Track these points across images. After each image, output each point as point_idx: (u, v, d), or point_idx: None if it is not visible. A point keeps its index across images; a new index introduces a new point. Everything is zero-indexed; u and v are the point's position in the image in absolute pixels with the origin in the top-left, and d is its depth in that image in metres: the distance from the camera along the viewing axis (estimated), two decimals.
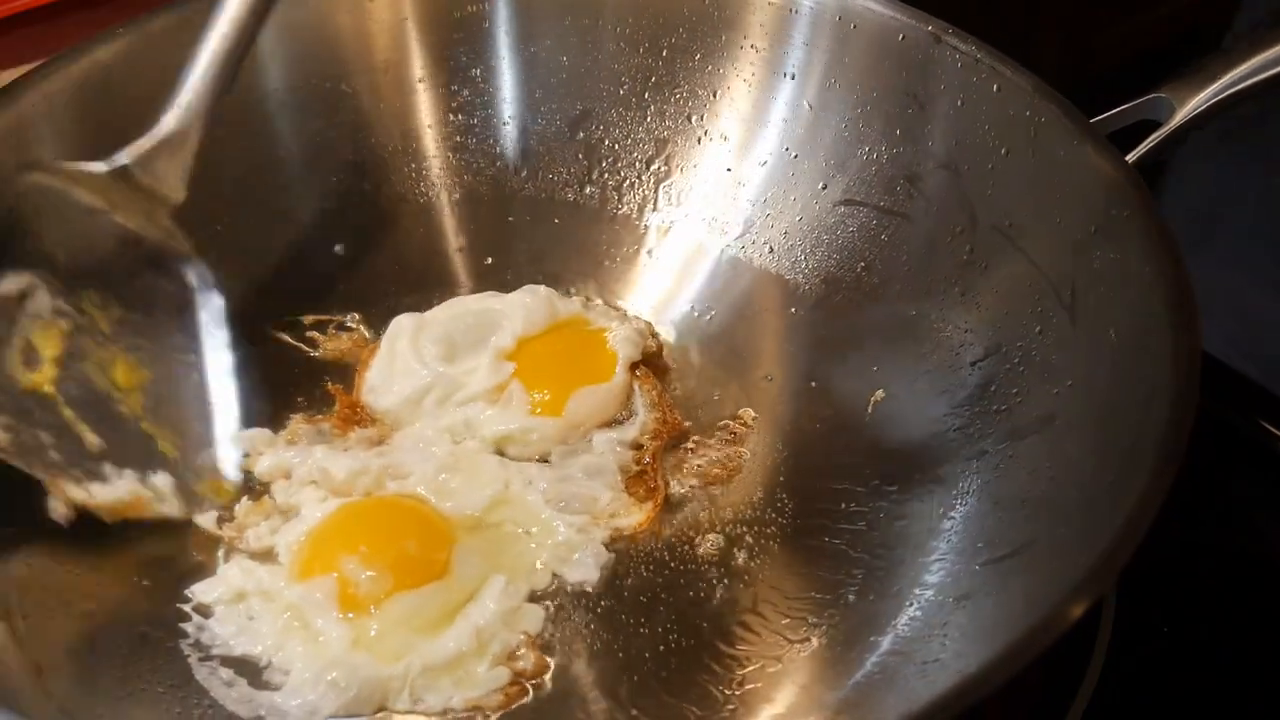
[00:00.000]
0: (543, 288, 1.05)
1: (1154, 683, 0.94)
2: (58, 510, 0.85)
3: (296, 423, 0.98)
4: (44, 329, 0.89)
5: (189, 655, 0.84)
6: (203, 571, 0.89)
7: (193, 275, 0.95)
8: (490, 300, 1.04)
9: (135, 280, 0.94)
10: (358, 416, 1.00)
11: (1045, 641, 0.65)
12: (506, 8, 1.11)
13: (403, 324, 1.03)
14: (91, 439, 0.89)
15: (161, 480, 0.90)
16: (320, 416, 0.99)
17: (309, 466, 0.94)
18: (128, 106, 0.96)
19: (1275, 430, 1.11)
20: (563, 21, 1.11)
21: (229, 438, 0.95)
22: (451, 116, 1.13)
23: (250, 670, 0.83)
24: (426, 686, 0.83)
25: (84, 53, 0.98)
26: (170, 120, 0.92)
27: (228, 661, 0.84)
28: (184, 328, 0.95)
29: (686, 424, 1.00)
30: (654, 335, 1.05)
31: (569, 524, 0.92)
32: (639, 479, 0.96)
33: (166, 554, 0.89)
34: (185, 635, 0.85)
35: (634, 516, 0.93)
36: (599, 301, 1.09)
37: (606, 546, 0.91)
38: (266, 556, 0.90)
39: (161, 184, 0.93)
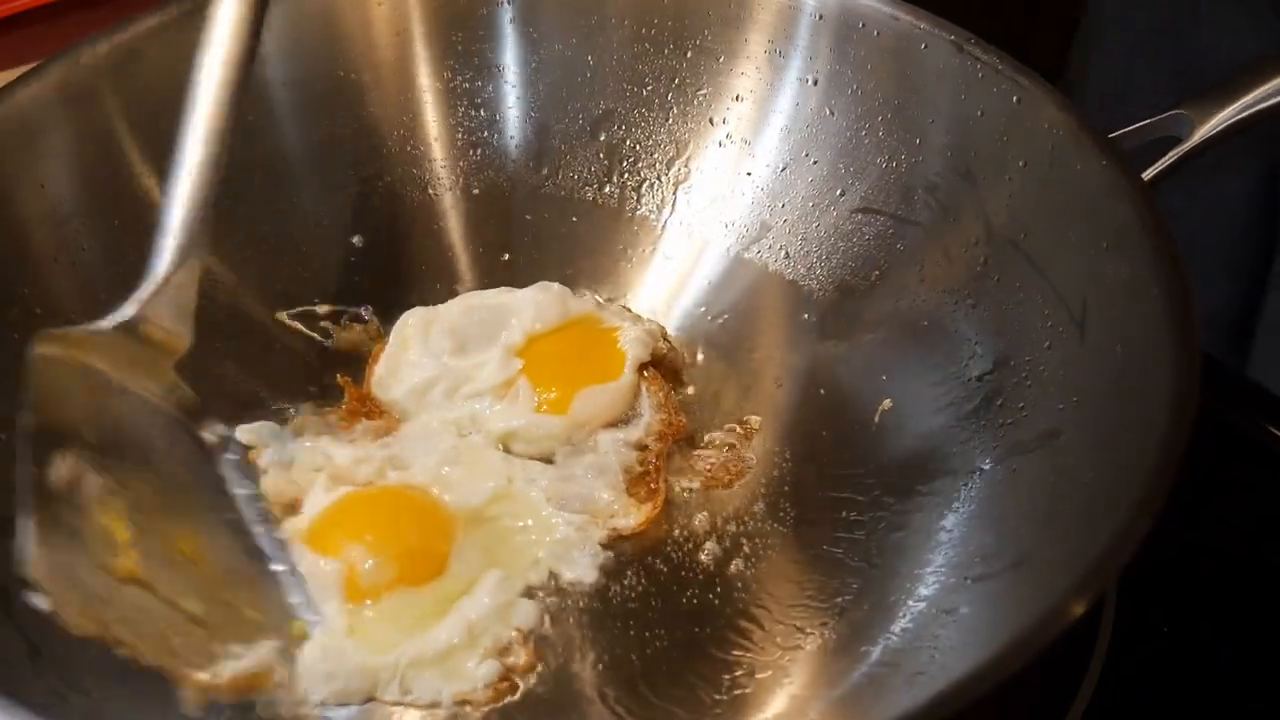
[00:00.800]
0: (556, 285, 1.05)
1: (1154, 683, 0.93)
2: (189, 702, 0.78)
3: (304, 415, 0.99)
4: (106, 511, 0.81)
5: None
6: None
7: (207, 431, 0.90)
8: (503, 296, 1.05)
9: (158, 444, 0.87)
10: (366, 409, 1.00)
11: (1027, 655, 0.65)
12: (529, 5, 1.11)
13: (413, 317, 1.03)
14: (193, 608, 0.81)
15: (266, 649, 0.82)
16: (329, 409, 1.00)
17: (314, 455, 0.95)
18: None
19: (1276, 430, 1.10)
20: (588, 20, 1.11)
21: (290, 584, 0.87)
22: (474, 112, 1.13)
23: None
24: (416, 678, 0.83)
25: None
26: (165, 262, 0.86)
27: None
28: (214, 485, 0.89)
29: (692, 427, 0.99)
30: (665, 338, 1.05)
31: (568, 522, 0.92)
32: (641, 480, 0.95)
33: None
34: None
35: (633, 517, 0.93)
36: (612, 301, 1.09)
37: (604, 546, 0.91)
38: None
39: (168, 332, 0.87)
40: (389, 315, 1.06)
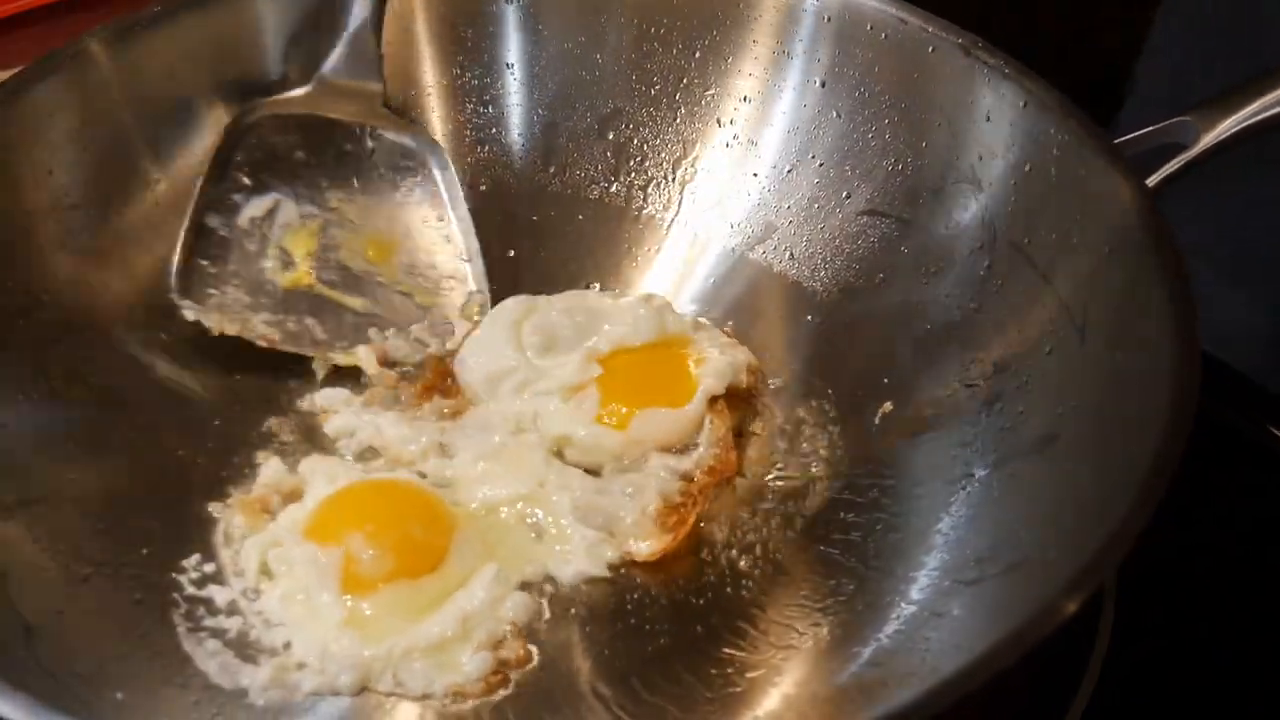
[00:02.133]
0: (659, 298, 1.03)
1: (1154, 683, 0.94)
2: (321, 368, 1.00)
3: (377, 386, 1.01)
4: (294, 234, 1.04)
5: (179, 625, 0.85)
6: (197, 543, 0.90)
7: (421, 151, 1.07)
8: (606, 300, 1.03)
9: (371, 169, 1.07)
10: (444, 385, 1.01)
11: (1015, 655, 0.65)
12: (540, 4, 1.11)
13: (512, 305, 1.03)
14: (355, 304, 1.04)
15: (419, 330, 1.04)
16: (405, 381, 1.02)
17: (370, 430, 0.98)
18: None
19: (1276, 430, 1.09)
20: (596, 18, 1.12)
21: (475, 277, 1.07)
22: (482, 109, 1.14)
23: (237, 643, 0.84)
24: (408, 669, 0.83)
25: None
26: (351, 25, 1.04)
27: (216, 633, 0.85)
28: (427, 197, 1.07)
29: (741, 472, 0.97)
30: (753, 372, 1.00)
31: (583, 536, 0.91)
32: (674, 510, 0.92)
33: (165, 525, 0.91)
34: (178, 605, 0.86)
35: (650, 544, 0.91)
36: (708, 324, 1.05)
37: (610, 567, 0.90)
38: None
39: (361, 82, 1.06)
40: None
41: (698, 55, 1.11)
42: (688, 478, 0.94)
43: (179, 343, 0.99)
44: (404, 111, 1.10)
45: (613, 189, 1.13)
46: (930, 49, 1.00)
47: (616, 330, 1.00)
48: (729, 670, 0.84)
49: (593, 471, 0.96)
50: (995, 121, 0.97)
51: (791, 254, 1.07)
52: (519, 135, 1.14)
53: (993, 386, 0.92)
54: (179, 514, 0.92)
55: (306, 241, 1.04)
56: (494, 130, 1.15)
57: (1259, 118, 0.90)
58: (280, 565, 0.88)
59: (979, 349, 0.95)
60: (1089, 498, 0.78)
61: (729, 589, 0.89)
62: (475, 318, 1.05)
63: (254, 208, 1.03)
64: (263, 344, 0.99)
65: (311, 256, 1.04)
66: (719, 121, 1.11)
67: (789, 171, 1.08)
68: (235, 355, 1.01)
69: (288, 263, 1.04)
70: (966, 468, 0.90)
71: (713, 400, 0.97)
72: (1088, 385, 0.85)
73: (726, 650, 0.85)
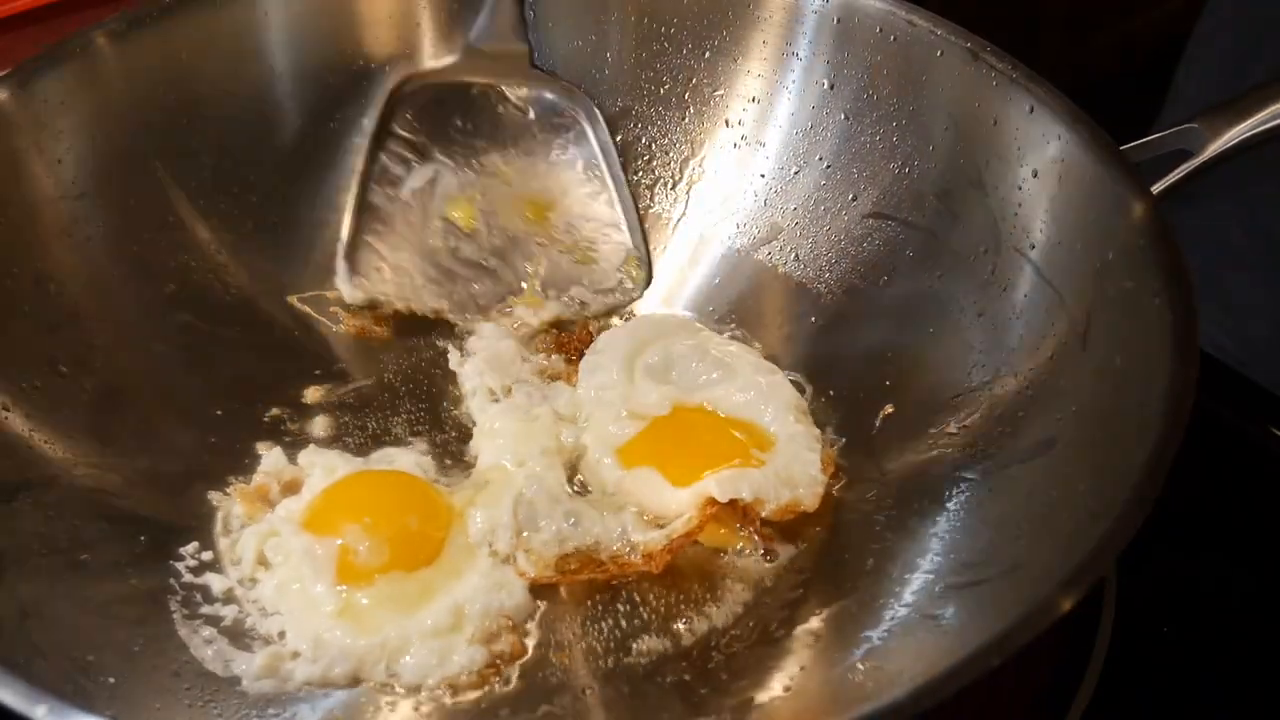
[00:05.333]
0: (793, 394, 1.00)
1: (1154, 683, 0.93)
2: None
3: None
4: (454, 202, 1.08)
5: (175, 611, 0.86)
6: (196, 531, 0.91)
7: (572, 108, 1.09)
8: (741, 360, 1.02)
9: (525, 129, 1.09)
10: (573, 348, 1.06)
11: (1000, 657, 0.65)
12: (548, 2, 1.11)
13: (659, 321, 1.07)
14: (523, 269, 1.08)
15: (578, 292, 1.08)
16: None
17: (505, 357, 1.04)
18: None
19: (1276, 430, 1.09)
20: (607, 17, 1.12)
21: (630, 229, 1.10)
22: None
23: (232, 630, 0.85)
24: (402, 661, 0.83)
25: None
26: None
27: (212, 620, 0.86)
28: (580, 154, 1.09)
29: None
30: (790, 510, 0.92)
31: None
32: (578, 561, 0.90)
33: (164, 512, 0.92)
34: (174, 592, 0.87)
35: (531, 571, 0.89)
36: (810, 438, 0.97)
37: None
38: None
39: (506, 45, 1.09)
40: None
41: (707, 55, 1.11)
42: (623, 550, 0.91)
43: (184, 330, 1.00)
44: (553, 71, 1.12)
45: None
46: (938, 52, 1.00)
47: (716, 392, 0.99)
48: (722, 666, 0.84)
49: (581, 491, 0.96)
50: (1002, 126, 0.96)
51: (796, 255, 1.07)
52: None
53: (994, 391, 0.92)
54: (178, 501, 0.93)
55: (468, 211, 1.08)
56: None
57: (1267, 125, 0.90)
58: (277, 555, 0.89)
59: (982, 353, 0.95)
60: (1083, 503, 0.77)
61: (726, 595, 0.89)
62: (633, 274, 1.09)
63: (416, 179, 1.08)
64: (432, 315, 1.05)
65: (474, 222, 1.08)
66: (727, 122, 1.11)
67: (795, 173, 1.08)
68: (240, 343, 1.02)
69: (451, 231, 1.08)
70: (965, 471, 0.90)
71: (711, 501, 0.91)
72: (1087, 391, 0.85)
73: (719, 647, 0.86)
